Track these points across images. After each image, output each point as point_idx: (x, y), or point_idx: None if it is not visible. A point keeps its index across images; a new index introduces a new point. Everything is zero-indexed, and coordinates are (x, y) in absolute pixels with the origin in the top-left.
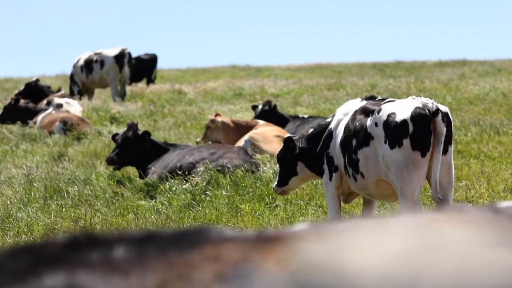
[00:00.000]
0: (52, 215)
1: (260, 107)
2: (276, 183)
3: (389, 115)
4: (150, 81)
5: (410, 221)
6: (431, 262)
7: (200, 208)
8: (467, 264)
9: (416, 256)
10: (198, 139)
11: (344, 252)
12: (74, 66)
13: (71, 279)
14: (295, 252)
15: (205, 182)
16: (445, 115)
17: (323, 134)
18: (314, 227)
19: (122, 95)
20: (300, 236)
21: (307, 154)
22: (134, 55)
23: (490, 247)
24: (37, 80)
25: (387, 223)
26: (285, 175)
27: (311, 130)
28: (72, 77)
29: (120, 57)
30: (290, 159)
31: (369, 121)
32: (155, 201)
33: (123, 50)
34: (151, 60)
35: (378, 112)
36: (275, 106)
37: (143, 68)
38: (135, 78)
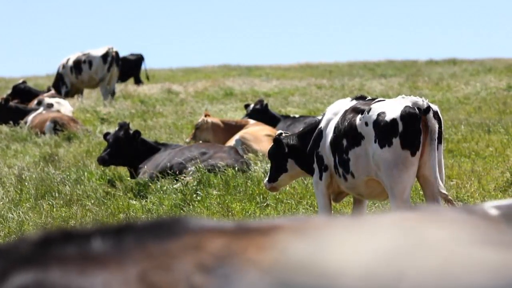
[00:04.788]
0: (43, 215)
1: (251, 106)
2: (266, 179)
3: (379, 115)
4: (139, 81)
5: (392, 221)
6: (413, 261)
7: (191, 207)
8: (449, 263)
9: (399, 255)
10: (187, 139)
11: (326, 251)
12: (64, 67)
13: (41, 277)
14: (276, 250)
15: (196, 182)
16: (435, 113)
17: (313, 132)
18: (293, 220)
19: (111, 95)
20: (280, 228)
21: (297, 151)
22: (126, 54)
23: (471, 246)
24: (24, 81)
25: (369, 222)
26: (276, 172)
27: (302, 127)
28: (61, 77)
29: (107, 57)
30: (280, 156)
31: (359, 121)
32: (146, 201)
33: (110, 49)
34: (137, 60)
35: (368, 112)
36: (266, 105)
37: (129, 68)
38: (121, 78)
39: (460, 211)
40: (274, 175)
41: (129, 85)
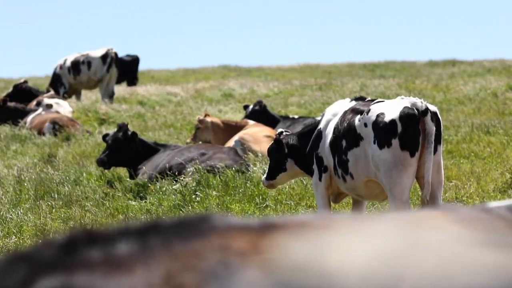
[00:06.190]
0: (42, 216)
1: (251, 107)
2: (265, 176)
3: (378, 116)
4: (132, 83)
5: (392, 221)
6: (412, 262)
7: (190, 208)
8: (448, 264)
9: (398, 256)
10: (187, 140)
11: (327, 252)
12: (61, 67)
13: (68, 282)
14: (279, 251)
15: (195, 183)
16: (434, 114)
17: (313, 132)
18: (318, 217)
19: (110, 96)
20: (305, 225)
21: (297, 151)
22: (123, 55)
23: (472, 247)
24: (25, 81)
25: (370, 222)
26: (275, 170)
27: (302, 127)
28: (59, 78)
29: (107, 58)
30: (280, 155)
31: (358, 122)
32: (145, 202)
33: (109, 50)
34: (133, 61)
35: (367, 113)
36: (265, 106)
37: (125, 69)
38: (116, 79)
39: (475, 210)
40: (273, 174)
41: (129, 86)
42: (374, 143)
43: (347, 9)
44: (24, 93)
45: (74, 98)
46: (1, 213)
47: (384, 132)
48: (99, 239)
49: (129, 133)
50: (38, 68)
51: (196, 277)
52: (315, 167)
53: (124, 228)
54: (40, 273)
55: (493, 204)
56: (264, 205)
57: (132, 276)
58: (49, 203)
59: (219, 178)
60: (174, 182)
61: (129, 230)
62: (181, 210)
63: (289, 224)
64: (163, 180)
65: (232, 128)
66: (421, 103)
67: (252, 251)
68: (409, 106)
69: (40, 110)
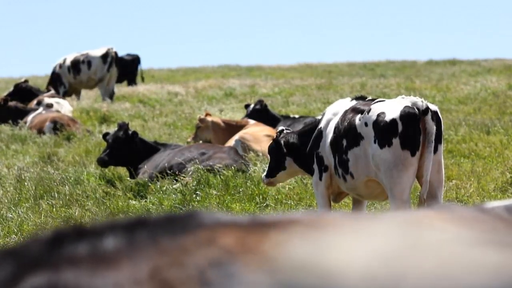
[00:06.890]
0: (43, 215)
1: (252, 106)
2: (265, 173)
3: (378, 115)
4: (133, 82)
5: (393, 221)
6: (412, 262)
7: (190, 207)
8: (448, 264)
9: (399, 256)
10: (188, 139)
11: (327, 252)
12: (61, 67)
13: (54, 279)
14: (278, 250)
15: (195, 182)
16: (434, 113)
17: (313, 131)
18: (308, 214)
19: (110, 95)
20: (294, 222)
21: (297, 150)
22: (123, 54)
23: (472, 246)
24: (26, 81)
25: (370, 222)
26: (274, 168)
27: (302, 126)
28: (59, 77)
29: (107, 57)
30: (280, 153)
31: (358, 121)
32: (145, 201)
33: (109, 49)
34: (134, 61)
35: (368, 112)
36: (266, 105)
37: (125, 69)
38: (117, 79)
39: (473, 210)
40: (273, 172)
41: (129, 86)
42: (375, 142)
43: (347, 9)
44: (24, 93)
45: (74, 97)
46: (2, 213)
47: (384, 131)
48: (86, 234)
49: (130, 132)
50: (38, 68)
51: (182, 273)
52: (315, 166)
53: (112, 223)
54: (27, 270)
55: (492, 204)
56: (265, 204)
57: (118, 271)
58: (50, 202)
59: (219, 177)
60: (175, 181)
61: (117, 225)
62: (182, 210)
63: (279, 222)
64: (164, 179)
65: (232, 128)
66: (421, 102)
67: (239, 248)
68: (410, 105)
69: (40, 109)
